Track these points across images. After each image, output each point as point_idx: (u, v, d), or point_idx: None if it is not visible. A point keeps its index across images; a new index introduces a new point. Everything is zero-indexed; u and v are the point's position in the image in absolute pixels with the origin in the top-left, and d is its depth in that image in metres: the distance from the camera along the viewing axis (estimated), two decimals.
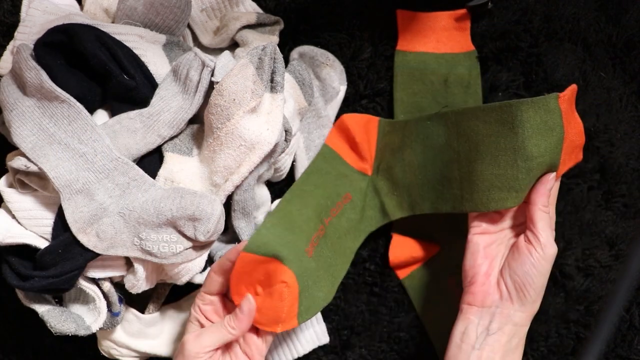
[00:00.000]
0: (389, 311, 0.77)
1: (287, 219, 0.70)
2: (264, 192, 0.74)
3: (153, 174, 0.67)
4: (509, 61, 0.78)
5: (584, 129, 0.75)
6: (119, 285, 0.70)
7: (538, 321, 0.75)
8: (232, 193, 0.68)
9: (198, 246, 0.67)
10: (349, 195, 0.75)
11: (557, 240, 0.74)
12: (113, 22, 0.73)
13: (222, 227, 0.67)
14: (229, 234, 0.72)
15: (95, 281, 0.68)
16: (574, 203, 0.76)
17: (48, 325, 0.66)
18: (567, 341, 0.76)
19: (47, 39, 0.65)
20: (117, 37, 0.68)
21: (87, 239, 0.64)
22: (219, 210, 0.66)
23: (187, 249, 0.66)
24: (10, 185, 0.68)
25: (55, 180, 0.64)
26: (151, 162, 0.69)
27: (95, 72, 0.67)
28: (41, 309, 0.67)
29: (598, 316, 0.72)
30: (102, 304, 0.68)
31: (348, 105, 0.79)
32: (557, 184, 0.65)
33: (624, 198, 0.76)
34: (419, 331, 0.76)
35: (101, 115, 0.69)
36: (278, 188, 0.77)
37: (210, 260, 0.71)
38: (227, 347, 0.66)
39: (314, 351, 0.76)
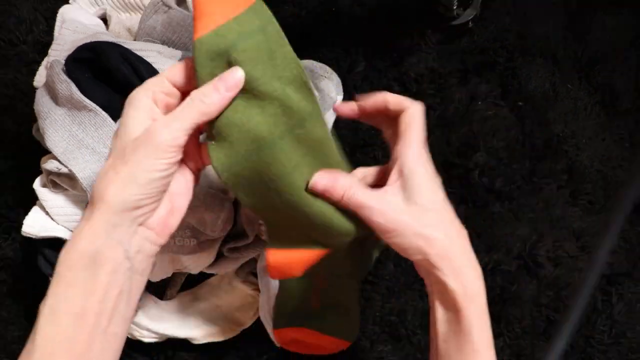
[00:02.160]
0: (381, 297, 0.77)
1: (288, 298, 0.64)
2: None
3: None
4: (487, 74, 0.79)
5: (554, 135, 0.76)
6: None
7: (513, 305, 0.76)
8: None
9: (210, 240, 0.67)
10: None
11: (530, 233, 0.75)
12: (135, 40, 0.73)
13: (231, 223, 0.67)
14: (237, 228, 0.72)
15: None
16: (545, 200, 0.77)
17: None
18: (539, 323, 0.76)
19: (77, 55, 0.66)
20: (138, 53, 0.68)
21: None
22: (228, 209, 0.66)
23: (200, 242, 0.66)
24: (44, 185, 0.68)
25: (83, 180, 0.64)
26: None
27: (119, 84, 0.67)
28: None
29: (569, 301, 0.72)
30: None
31: None
32: None
33: (589, 196, 0.77)
34: (408, 315, 0.77)
35: None
36: None
37: (219, 253, 0.71)
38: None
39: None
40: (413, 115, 0.52)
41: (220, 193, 0.67)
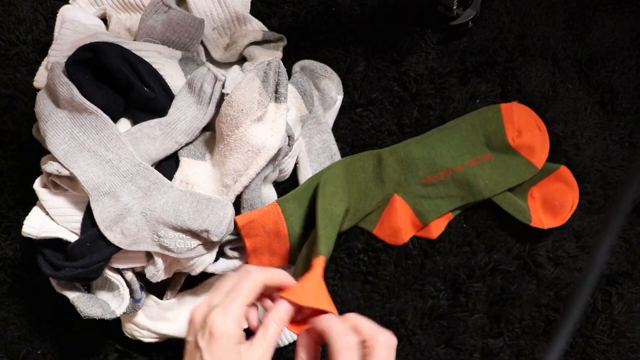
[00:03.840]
0: (381, 297, 0.77)
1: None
2: (270, 192, 0.74)
3: (170, 177, 0.68)
4: (487, 74, 0.79)
5: (554, 135, 0.76)
6: (140, 274, 0.70)
7: (513, 305, 0.76)
8: (241, 192, 0.69)
9: (210, 241, 0.67)
10: None
11: (530, 233, 0.75)
12: (135, 40, 0.73)
13: (232, 227, 0.68)
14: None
15: (119, 271, 0.68)
16: None
17: (78, 310, 0.67)
18: (538, 323, 0.76)
19: (77, 56, 0.66)
20: (138, 54, 0.68)
21: (113, 236, 0.64)
22: (230, 214, 0.66)
23: (200, 244, 0.66)
24: (44, 186, 0.68)
25: (85, 183, 0.64)
26: (168, 165, 0.69)
27: (119, 84, 0.68)
28: (71, 295, 0.68)
29: (568, 301, 0.72)
30: (125, 291, 0.68)
31: (344, 113, 0.79)
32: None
33: (589, 196, 0.77)
34: (408, 315, 0.77)
35: (124, 123, 0.70)
36: (282, 187, 0.77)
37: (221, 252, 0.71)
38: None
39: None
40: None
41: (221, 199, 0.67)
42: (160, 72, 0.70)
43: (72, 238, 0.66)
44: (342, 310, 0.77)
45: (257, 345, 0.54)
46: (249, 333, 0.55)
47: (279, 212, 0.70)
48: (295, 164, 0.76)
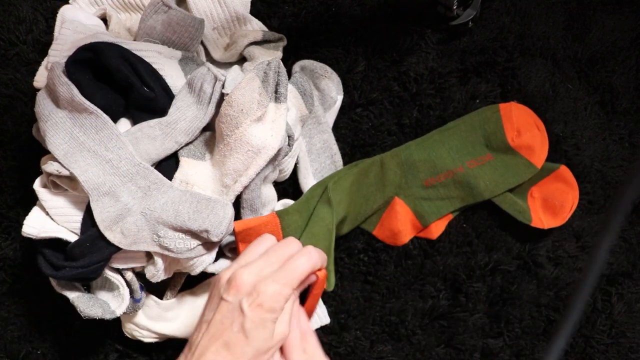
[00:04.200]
0: (381, 297, 0.77)
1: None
2: (270, 192, 0.74)
3: (170, 177, 0.68)
4: (487, 74, 0.79)
5: (554, 135, 0.76)
6: (140, 274, 0.70)
7: (513, 305, 0.76)
8: (241, 192, 0.68)
9: (210, 242, 0.67)
10: None
11: (530, 233, 0.75)
12: (135, 40, 0.73)
13: (232, 227, 0.67)
14: None
15: (119, 271, 0.68)
16: None
17: (78, 309, 0.67)
18: (538, 323, 0.76)
19: (77, 56, 0.66)
20: (138, 54, 0.68)
21: (113, 236, 0.64)
22: (230, 214, 0.66)
23: (200, 244, 0.66)
24: (44, 186, 0.68)
25: (85, 183, 0.64)
26: (168, 165, 0.69)
27: (119, 84, 0.67)
28: (71, 295, 0.68)
29: (568, 301, 0.72)
30: (125, 291, 0.68)
31: (344, 113, 0.79)
32: None
33: (588, 196, 0.77)
34: (408, 315, 0.77)
35: (124, 123, 0.70)
36: (282, 187, 0.77)
37: (221, 252, 0.71)
38: None
39: (316, 331, 0.76)
40: None
41: (221, 199, 0.67)
42: (160, 72, 0.69)
43: (72, 238, 0.66)
44: (342, 310, 0.77)
45: (280, 318, 0.56)
46: None
47: (277, 224, 0.70)
48: (295, 164, 0.76)
